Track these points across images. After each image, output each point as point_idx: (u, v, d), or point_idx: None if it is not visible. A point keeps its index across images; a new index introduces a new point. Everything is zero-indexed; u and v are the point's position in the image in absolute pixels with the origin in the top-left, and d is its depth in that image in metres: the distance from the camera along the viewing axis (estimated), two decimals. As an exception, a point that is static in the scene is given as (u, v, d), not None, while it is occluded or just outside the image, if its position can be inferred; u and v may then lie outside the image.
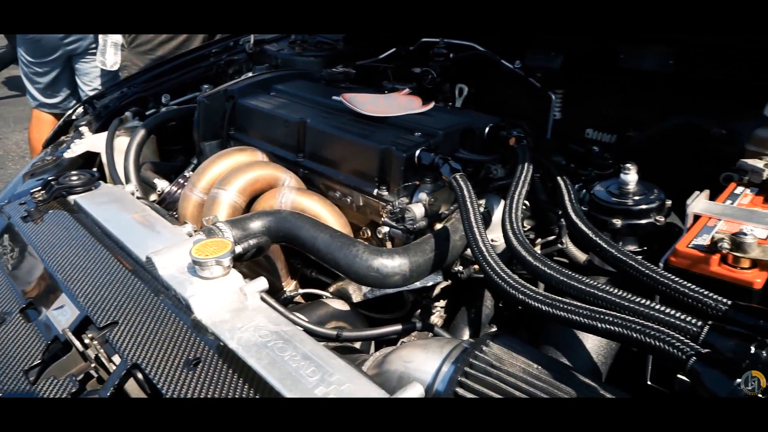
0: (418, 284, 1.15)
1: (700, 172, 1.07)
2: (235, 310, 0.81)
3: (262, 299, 0.84)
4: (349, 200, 1.25)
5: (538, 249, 1.12)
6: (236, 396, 0.69)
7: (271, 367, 0.71)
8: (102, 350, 0.80)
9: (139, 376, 0.76)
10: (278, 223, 1.05)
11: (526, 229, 1.18)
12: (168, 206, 1.49)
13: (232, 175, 1.28)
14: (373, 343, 1.14)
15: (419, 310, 1.26)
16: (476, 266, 1.17)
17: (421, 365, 0.87)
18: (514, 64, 1.52)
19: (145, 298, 0.88)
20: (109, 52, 2.93)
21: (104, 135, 1.63)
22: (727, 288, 0.78)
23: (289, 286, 1.33)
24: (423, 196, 1.12)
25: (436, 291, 1.24)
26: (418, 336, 1.11)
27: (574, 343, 0.94)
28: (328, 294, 1.30)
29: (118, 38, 2.93)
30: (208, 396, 0.70)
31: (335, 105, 1.42)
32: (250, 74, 1.83)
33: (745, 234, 0.77)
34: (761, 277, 0.77)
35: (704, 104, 1.23)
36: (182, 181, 1.52)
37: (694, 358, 0.58)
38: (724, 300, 0.67)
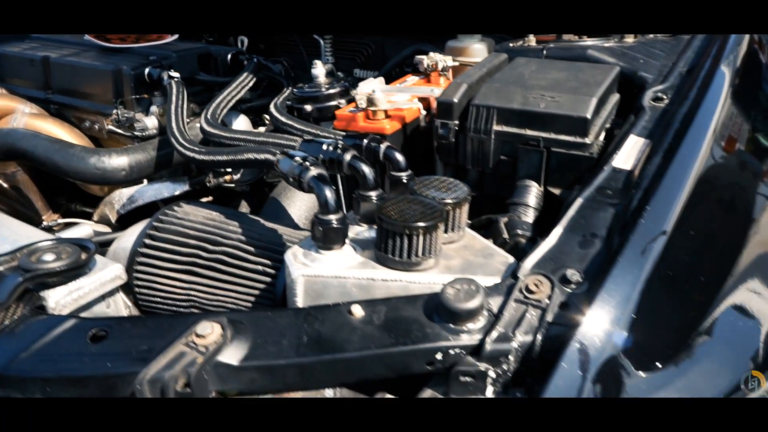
0: (166, 194, 1.25)
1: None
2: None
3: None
4: (97, 127, 1.32)
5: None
6: None
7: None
8: None
9: None
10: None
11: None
12: None
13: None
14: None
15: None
16: (227, 177, 1.30)
17: (131, 236, 0.97)
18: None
19: None
20: None
21: None
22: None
23: (50, 219, 1.37)
24: (154, 108, 1.22)
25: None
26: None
27: (281, 212, 1.10)
28: (87, 222, 1.35)
29: None
30: None
31: (85, 42, 1.47)
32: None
33: (374, 91, 0.96)
34: (391, 126, 0.97)
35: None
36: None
37: (281, 157, 0.75)
38: (333, 131, 0.85)
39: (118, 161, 1.05)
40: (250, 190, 1.39)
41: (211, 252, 0.83)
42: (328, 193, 0.67)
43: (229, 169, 1.25)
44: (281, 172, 0.72)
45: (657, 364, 0.54)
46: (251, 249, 0.82)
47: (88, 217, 1.41)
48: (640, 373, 0.53)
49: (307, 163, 0.69)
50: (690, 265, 0.63)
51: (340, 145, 0.75)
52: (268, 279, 0.80)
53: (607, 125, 0.93)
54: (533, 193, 0.87)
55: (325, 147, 0.75)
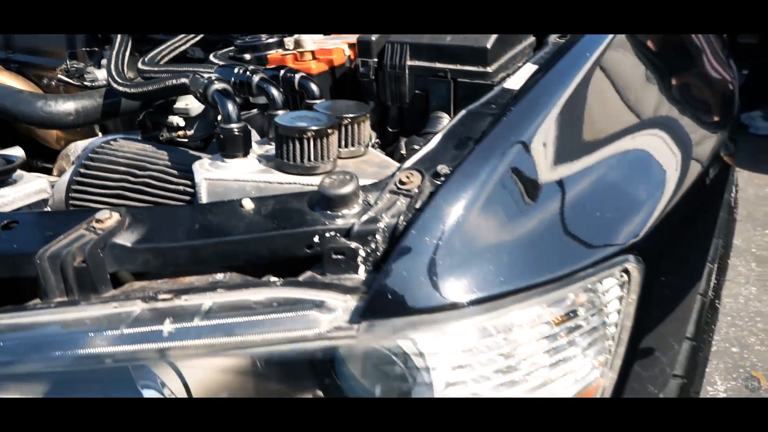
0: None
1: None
2: None
3: None
4: (54, 83, 1.38)
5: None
6: None
7: None
8: None
9: None
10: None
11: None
12: None
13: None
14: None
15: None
16: (180, 132, 1.36)
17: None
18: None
19: None
20: None
21: None
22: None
23: (11, 173, 1.42)
24: (104, 61, 1.27)
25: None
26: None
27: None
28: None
29: None
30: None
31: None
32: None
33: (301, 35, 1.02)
34: (318, 66, 1.03)
35: None
36: None
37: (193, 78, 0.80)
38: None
39: (64, 106, 1.10)
40: (204, 146, 1.44)
41: (138, 177, 0.89)
42: (230, 106, 0.73)
43: (182, 123, 1.30)
44: (191, 90, 0.78)
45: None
46: (174, 172, 0.87)
47: (48, 172, 1.47)
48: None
49: (213, 77, 0.75)
50: (550, 162, 0.69)
51: (250, 69, 0.81)
52: (188, 198, 0.86)
53: (520, 64, 0.99)
54: (443, 123, 0.92)
55: (236, 70, 0.81)
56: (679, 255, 0.78)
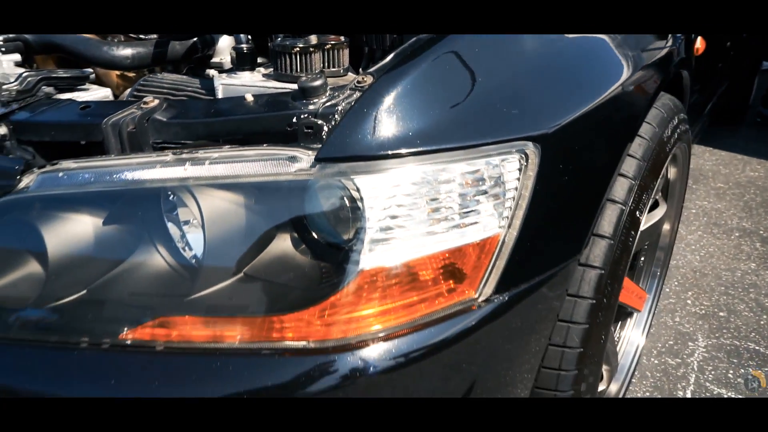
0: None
1: None
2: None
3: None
4: (116, 37, 1.67)
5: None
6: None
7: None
8: None
9: None
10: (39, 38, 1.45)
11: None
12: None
13: None
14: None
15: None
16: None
17: (127, 99, 1.31)
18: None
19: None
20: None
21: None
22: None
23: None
24: (156, 20, 1.56)
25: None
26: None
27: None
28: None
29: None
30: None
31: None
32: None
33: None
34: None
35: None
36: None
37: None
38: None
39: (124, 51, 1.39)
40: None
41: (175, 95, 1.16)
42: (243, 35, 0.99)
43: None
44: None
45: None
46: (203, 91, 1.14)
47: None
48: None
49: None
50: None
51: None
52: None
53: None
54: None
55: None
56: (585, 158, 0.99)
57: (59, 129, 0.89)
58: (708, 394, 1.80)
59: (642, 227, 1.29)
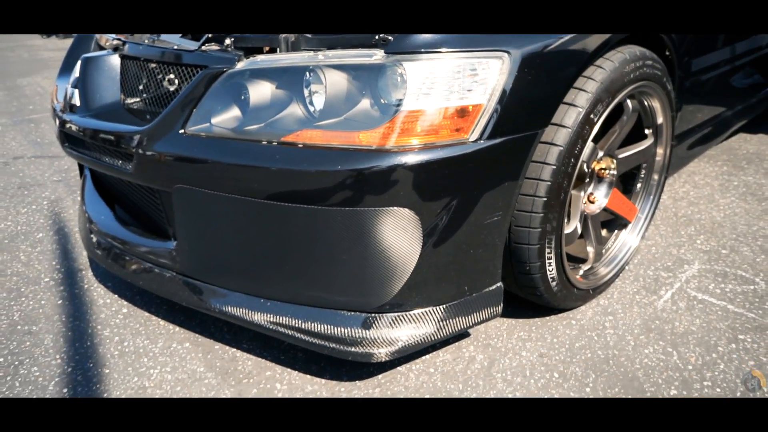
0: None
1: None
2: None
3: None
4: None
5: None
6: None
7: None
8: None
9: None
10: None
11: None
12: None
13: None
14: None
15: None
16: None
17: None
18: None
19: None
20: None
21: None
22: None
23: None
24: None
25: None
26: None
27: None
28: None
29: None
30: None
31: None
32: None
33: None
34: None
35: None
36: None
37: None
38: None
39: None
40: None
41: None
42: None
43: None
44: None
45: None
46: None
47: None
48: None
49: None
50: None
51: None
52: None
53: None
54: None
55: None
56: (546, 70, 1.64)
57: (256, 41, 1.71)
58: (685, 297, 2.24)
59: (630, 153, 1.95)
